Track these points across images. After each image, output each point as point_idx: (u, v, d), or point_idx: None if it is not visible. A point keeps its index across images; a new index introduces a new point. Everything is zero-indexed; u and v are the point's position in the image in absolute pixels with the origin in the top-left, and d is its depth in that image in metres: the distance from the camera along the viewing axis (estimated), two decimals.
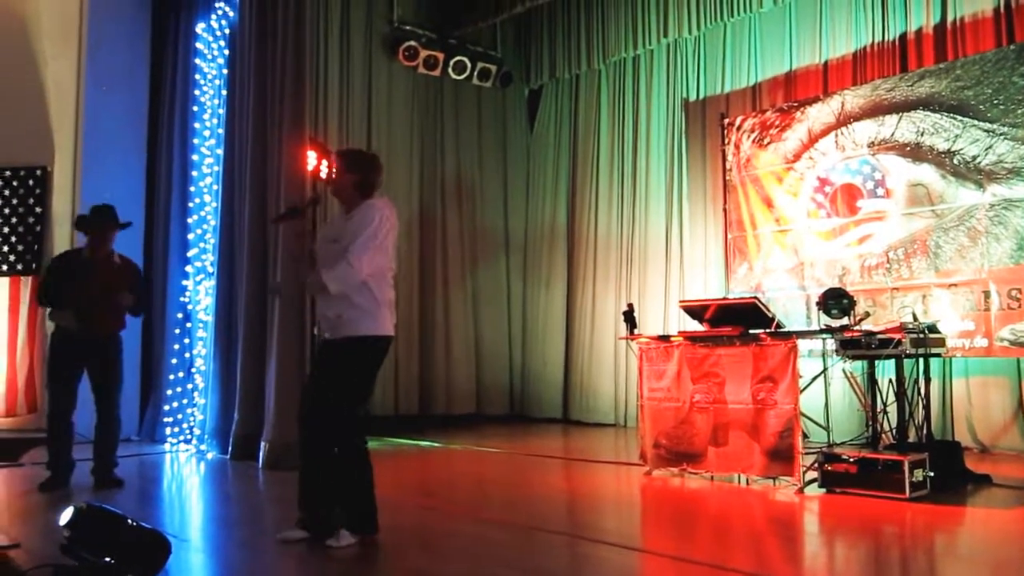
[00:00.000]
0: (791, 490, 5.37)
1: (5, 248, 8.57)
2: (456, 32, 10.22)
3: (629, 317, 6.45)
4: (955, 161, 7.26)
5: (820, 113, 8.14)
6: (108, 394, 5.86)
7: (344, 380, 4.08)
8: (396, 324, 4.29)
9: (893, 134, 7.65)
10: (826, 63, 8.44)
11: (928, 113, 7.43)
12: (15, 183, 8.56)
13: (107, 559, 3.32)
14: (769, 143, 8.52)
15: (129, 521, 3.45)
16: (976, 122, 7.14)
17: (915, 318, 5.93)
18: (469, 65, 10.31)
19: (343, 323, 4.08)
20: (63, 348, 5.77)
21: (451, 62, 10.18)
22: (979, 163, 7.11)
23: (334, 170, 4.33)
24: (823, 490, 5.31)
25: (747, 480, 5.71)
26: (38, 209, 8.53)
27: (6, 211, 8.58)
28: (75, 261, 5.88)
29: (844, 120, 7.96)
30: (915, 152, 7.51)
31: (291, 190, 6.92)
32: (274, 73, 7.14)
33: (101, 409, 5.86)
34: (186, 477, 6.61)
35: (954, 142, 7.27)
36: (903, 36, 7.88)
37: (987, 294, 6.99)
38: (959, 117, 7.25)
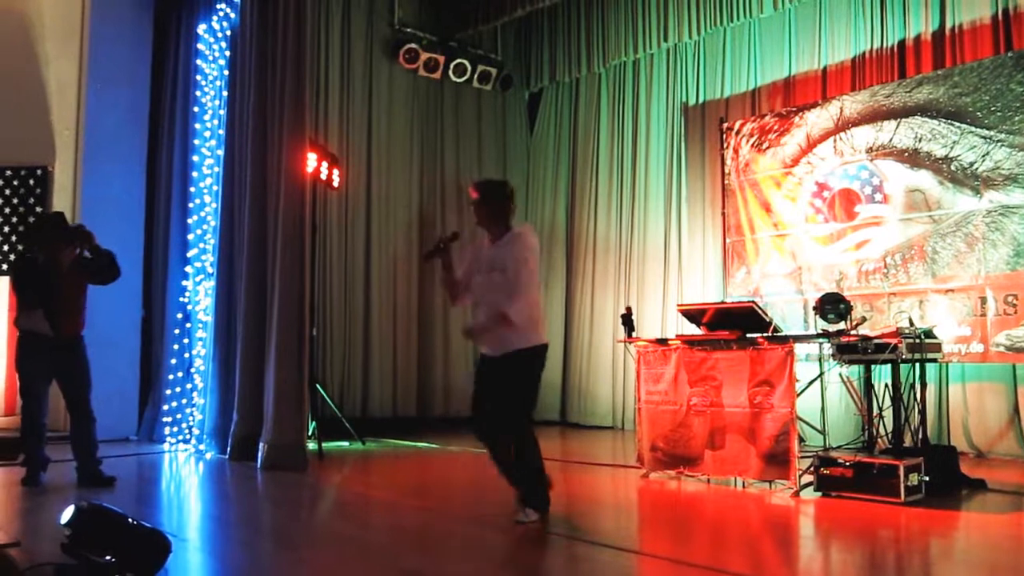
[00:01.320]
0: (787, 494, 5.40)
1: (6, 247, 8.59)
2: (457, 35, 10.26)
3: (627, 320, 6.48)
4: (952, 167, 7.30)
5: (819, 118, 8.18)
6: (79, 395, 5.83)
7: (520, 388, 4.57)
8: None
9: (891, 140, 7.68)
10: (825, 69, 8.48)
11: (926, 119, 7.46)
12: (16, 183, 8.59)
13: (108, 557, 3.34)
14: (768, 148, 8.55)
15: (129, 520, 3.47)
16: (974, 128, 7.18)
17: (911, 323, 5.95)
18: (469, 68, 10.36)
19: (508, 341, 4.52)
20: (32, 354, 5.74)
21: (451, 65, 10.22)
22: (976, 169, 7.15)
23: (474, 201, 4.72)
24: (819, 494, 5.33)
25: (743, 483, 5.74)
26: (39, 209, 8.55)
27: (7, 210, 8.61)
28: (33, 267, 5.80)
29: (843, 125, 8.00)
30: (913, 158, 7.54)
31: (291, 191, 6.94)
32: (274, 74, 7.16)
33: (74, 411, 5.85)
34: (185, 477, 6.63)
35: (952, 148, 7.30)
36: (902, 42, 7.93)
37: (984, 300, 7.02)
38: (957, 123, 7.29)
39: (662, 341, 6.28)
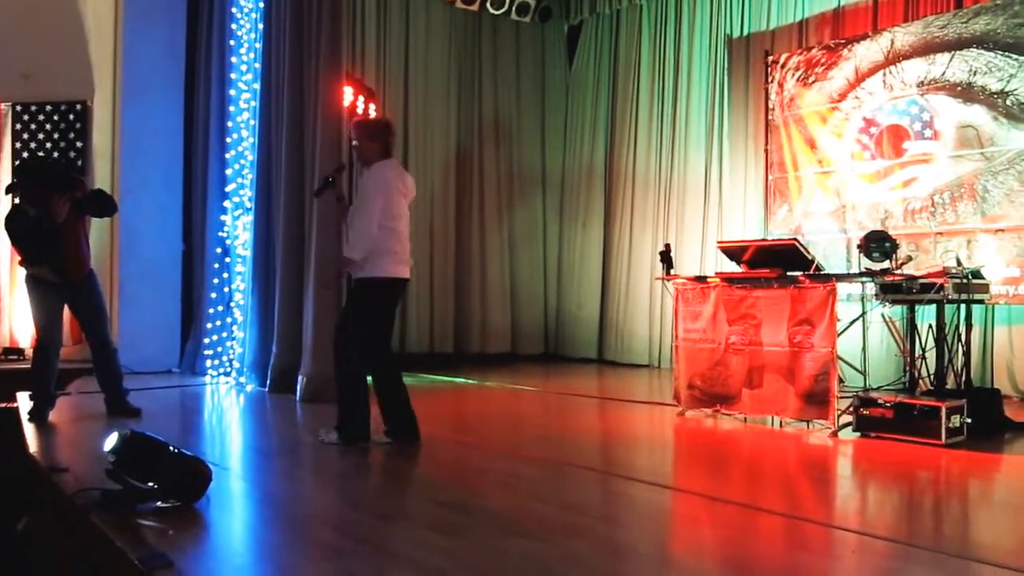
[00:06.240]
0: (825, 433, 5.36)
1: None
2: None
3: (666, 257, 6.40)
4: (1008, 102, 7.03)
5: (868, 51, 7.90)
6: (98, 330, 5.87)
7: (359, 315, 4.84)
8: (410, 268, 5.07)
9: (944, 73, 7.41)
10: None
11: (982, 51, 7.17)
12: (56, 118, 8.65)
13: (151, 484, 3.41)
14: (814, 82, 8.30)
15: (171, 448, 3.53)
16: None
17: (959, 263, 5.80)
18: None
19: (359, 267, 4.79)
20: (43, 294, 5.69)
21: None
22: None
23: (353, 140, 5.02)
24: (857, 434, 5.29)
25: (781, 423, 5.71)
26: (79, 144, 8.62)
27: (48, 145, 8.68)
28: (28, 222, 5.63)
29: (893, 59, 7.72)
30: (966, 92, 7.27)
31: (328, 126, 6.89)
32: (310, 7, 7.06)
33: (95, 345, 5.88)
34: (226, 408, 6.76)
35: (1008, 82, 7.02)
36: None
37: None
38: (1015, 56, 6.99)
39: (701, 279, 6.21)
